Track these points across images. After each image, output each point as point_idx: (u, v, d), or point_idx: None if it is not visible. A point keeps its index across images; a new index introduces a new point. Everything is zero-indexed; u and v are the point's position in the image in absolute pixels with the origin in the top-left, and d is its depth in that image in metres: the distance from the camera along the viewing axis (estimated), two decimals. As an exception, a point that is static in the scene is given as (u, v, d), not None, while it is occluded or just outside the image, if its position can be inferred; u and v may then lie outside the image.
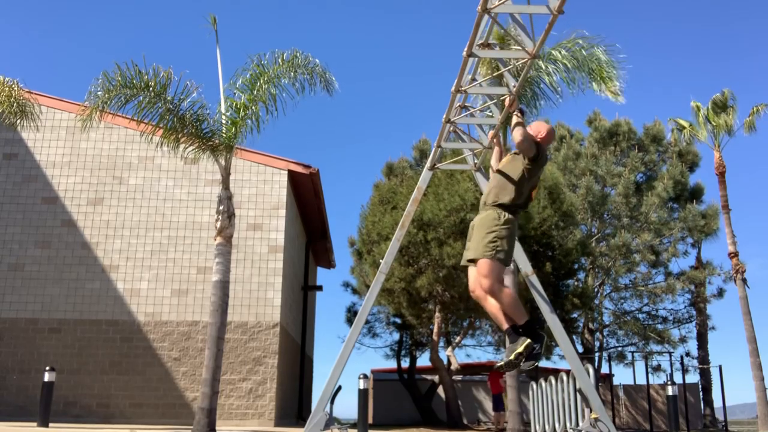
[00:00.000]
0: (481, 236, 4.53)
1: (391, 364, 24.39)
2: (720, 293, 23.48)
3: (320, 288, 20.45)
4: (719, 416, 26.60)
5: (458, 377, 24.67)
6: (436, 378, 22.04)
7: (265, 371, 13.51)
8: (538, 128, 4.99)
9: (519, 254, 7.32)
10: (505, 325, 4.50)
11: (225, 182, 9.95)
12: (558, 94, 11.07)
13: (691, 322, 24.46)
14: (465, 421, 22.69)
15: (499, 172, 4.87)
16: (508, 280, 11.51)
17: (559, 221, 17.32)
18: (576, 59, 10.58)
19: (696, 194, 23.20)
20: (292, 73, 9.74)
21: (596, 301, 22.52)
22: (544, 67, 10.80)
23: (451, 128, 7.16)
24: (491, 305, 4.47)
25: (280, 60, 9.75)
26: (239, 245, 13.87)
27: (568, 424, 9.97)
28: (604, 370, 24.37)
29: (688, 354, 24.50)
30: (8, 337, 13.58)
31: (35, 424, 10.52)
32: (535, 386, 12.28)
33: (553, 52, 10.74)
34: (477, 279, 4.47)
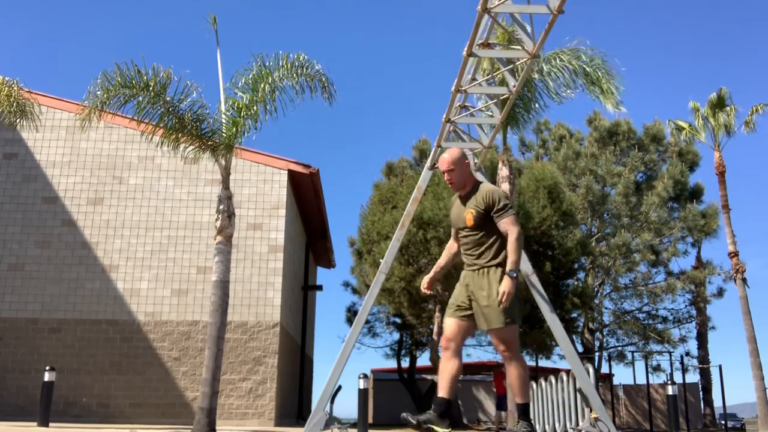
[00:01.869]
0: (493, 301, 4.28)
1: (391, 364, 24.41)
2: (720, 293, 23.52)
3: (320, 288, 20.45)
4: (731, 413, 26.64)
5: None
6: (436, 378, 22.05)
7: (265, 371, 13.51)
8: (463, 167, 4.55)
9: (519, 254, 7.31)
10: (519, 400, 4.45)
11: (225, 182, 9.94)
12: (559, 100, 11.12)
13: (691, 321, 24.49)
14: (465, 421, 22.69)
15: (475, 228, 4.45)
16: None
17: (558, 221, 17.32)
18: (577, 68, 10.64)
19: (696, 194, 23.22)
20: (295, 77, 9.72)
21: (596, 301, 22.53)
22: (547, 70, 10.84)
23: (451, 128, 7.16)
24: (514, 372, 4.41)
25: (283, 62, 9.73)
26: (239, 245, 13.87)
27: (568, 424, 9.96)
28: (604, 369, 24.41)
29: (688, 354, 24.54)
30: (8, 337, 13.58)
31: (35, 424, 10.51)
32: (535, 386, 12.28)
33: (552, 59, 10.80)
34: (498, 343, 4.40)
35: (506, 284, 4.20)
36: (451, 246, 4.89)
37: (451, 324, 4.45)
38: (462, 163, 4.54)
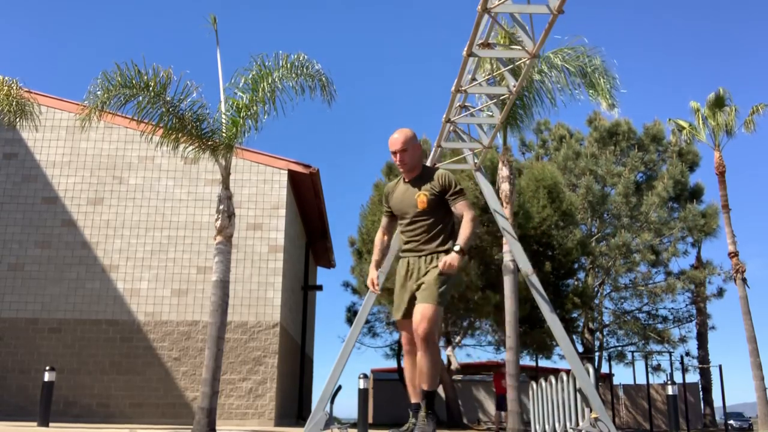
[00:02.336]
0: (433, 281, 4.07)
1: (391, 364, 24.41)
2: (720, 293, 23.53)
3: (320, 288, 20.45)
4: (738, 411, 26.66)
5: (458, 377, 24.69)
6: (436, 378, 22.01)
7: (265, 371, 13.51)
8: (416, 148, 4.31)
9: (519, 254, 7.31)
10: (427, 387, 4.12)
11: (225, 182, 9.93)
12: (554, 103, 11.16)
13: (691, 321, 24.51)
14: (465, 421, 22.70)
15: (427, 212, 4.24)
16: (508, 280, 11.50)
17: (558, 221, 17.33)
18: (574, 67, 10.66)
19: (696, 194, 23.24)
20: (294, 76, 9.72)
21: (596, 301, 22.54)
22: (547, 71, 10.85)
23: (451, 128, 7.16)
24: (429, 357, 4.03)
25: (283, 62, 9.73)
26: (239, 245, 13.87)
27: (568, 424, 9.96)
28: (604, 369, 24.41)
29: (688, 354, 24.56)
30: (8, 337, 13.57)
31: (35, 424, 10.51)
32: (535, 386, 12.28)
33: (552, 57, 10.81)
34: (420, 318, 4.03)
35: (453, 256, 3.96)
36: (381, 239, 4.59)
37: (407, 327, 4.26)
38: (415, 143, 4.31)
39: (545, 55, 10.92)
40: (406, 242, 4.33)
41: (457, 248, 4.01)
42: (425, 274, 4.14)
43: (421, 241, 4.24)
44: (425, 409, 4.15)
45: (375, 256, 4.58)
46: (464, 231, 4.08)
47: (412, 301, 4.20)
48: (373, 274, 4.47)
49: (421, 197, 4.23)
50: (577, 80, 10.83)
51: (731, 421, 29.23)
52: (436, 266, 4.08)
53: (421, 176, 4.32)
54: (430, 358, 4.02)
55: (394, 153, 4.29)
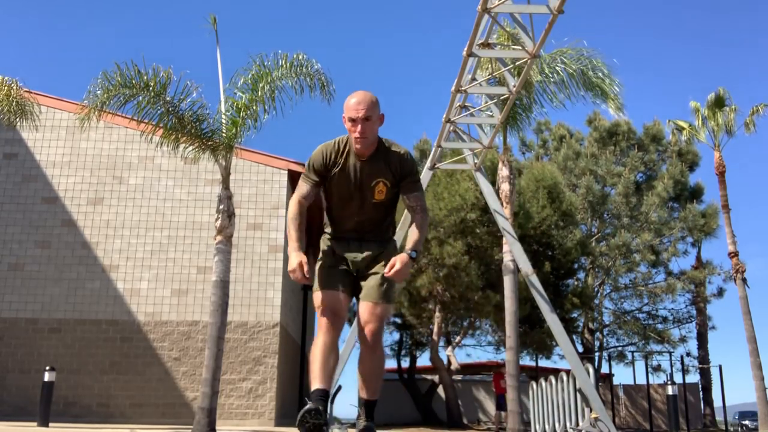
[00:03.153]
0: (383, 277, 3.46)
1: (391, 364, 24.40)
2: (720, 293, 23.55)
3: (320, 288, 20.40)
4: (751, 411, 26.55)
5: (458, 377, 24.68)
6: (436, 378, 22.06)
7: (265, 371, 13.51)
8: (379, 118, 3.44)
9: (519, 254, 7.32)
10: (373, 395, 3.50)
11: (225, 182, 9.94)
12: (561, 104, 11.15)
13: (691, 321, 24.53)
14: (465, 421, 22.70)
15: (382, 203, 3.53)
16: (508, 280, 11.50)
17: (558, 221, 17.34)
18: (574, 69, 10.65)
19: (696, 194, 23.26)
20: (294, 76, 9.74)
21: (596, 301, 22.54)
22: (547, 72, 10.84)
23: (451, 128, 7.17)
24: (379, 360, 3.49)
25: (282, 62, 9.74)
26: (239, 245, 13.87)
27: (568, 424, 9.96)
28: (604, 370, 24.43)
29: (688, 354, 24.58)
30: (8, 337, 13.57)
31: (35, 424, 10.51)
32: (535, 386, 12.29)
33: (552, 59, 10.80)
34: (372, 317, 3.44)
35: (404, 260, 3.32)
36: (301, 212, 3.63)
37: (338, 300, 3.55)
38: (379, 114, 3.42)
39: (543, 56, 10.91)
40: (346, 228, 3.60)
41: (414, 255, 3.39)
42: (374, 258, 3.53)
43: (367, 230, 3.56)
44: (365, 417, 3.52)
45: (296, 233, 3.63)
46: (417, 234, 3.48)
47: (355, 279, 3.56)
48: (301, 257, 3.50)
49: (380, 186, 3.45)
50: (580, 85, 10.80)
51: (746, 422, 28.71)
52: (385, 252, 3.55)
53: (377, 155, 3.45)
54: (381, 362, 3.49)
55: (353, 121, 3.32)
